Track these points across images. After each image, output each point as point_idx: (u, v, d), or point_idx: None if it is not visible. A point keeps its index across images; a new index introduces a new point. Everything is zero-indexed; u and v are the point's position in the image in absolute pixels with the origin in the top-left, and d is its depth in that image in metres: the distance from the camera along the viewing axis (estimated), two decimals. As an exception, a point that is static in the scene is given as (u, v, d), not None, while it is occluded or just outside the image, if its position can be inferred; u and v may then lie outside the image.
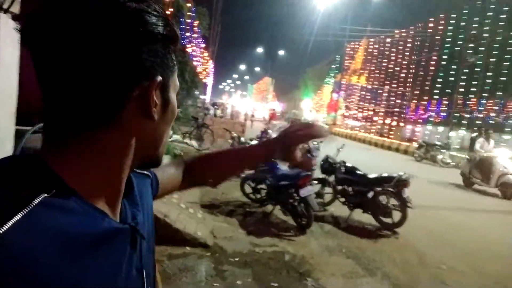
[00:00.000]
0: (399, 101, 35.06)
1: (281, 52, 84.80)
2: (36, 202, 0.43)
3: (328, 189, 6.46)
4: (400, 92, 35.53)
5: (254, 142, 8.14)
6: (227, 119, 17.35)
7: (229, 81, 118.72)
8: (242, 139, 8.01)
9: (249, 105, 49.65)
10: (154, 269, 0.66)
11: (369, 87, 39.42)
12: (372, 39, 39.85)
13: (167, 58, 0.54)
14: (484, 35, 23.78)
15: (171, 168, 0.93)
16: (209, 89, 31.54)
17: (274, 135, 7.10)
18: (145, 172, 0.75)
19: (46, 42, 0.46)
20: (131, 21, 0.47)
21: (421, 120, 30.82)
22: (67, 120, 0.49)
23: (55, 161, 0.49)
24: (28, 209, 0.42)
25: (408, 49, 33.56)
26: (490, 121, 24.45)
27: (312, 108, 56.78)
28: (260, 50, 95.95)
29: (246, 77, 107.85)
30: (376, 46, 39.40)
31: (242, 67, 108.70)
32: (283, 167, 6.00)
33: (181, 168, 0.95)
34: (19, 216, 0.41)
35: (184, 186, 0.95)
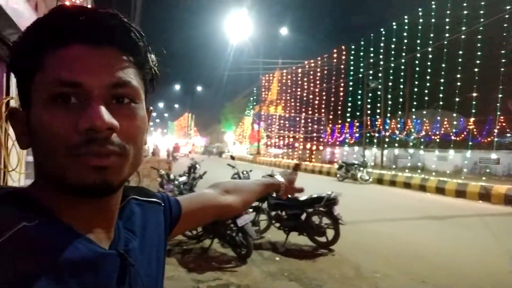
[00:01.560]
0: (316, 126, 37.30)
1: (199, 88, 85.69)
2: (14, 230, 0.44)
3: (262, 216, 6.56)
4: (316, 118, 37.86)
5: (184, 178, 8.00)
6: (151, 157, 16.81)
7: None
8: (171, 176, 7.83)
9: (171, 142, 48.90)
10: None
11: (287, 115, 41.39)
12: (284, 70, 42.30)
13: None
14: (380, 62, 26.74)
15: (205, 193, 0.95)
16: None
17: (199, 169, 6.98)
18: (156, 200, 0.74)
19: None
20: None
21: (338, 142, 33.05)
22: None
23: (40, 192, 0.51)
24: (5, 236, 0.43)
25: (318, 77, 36.20)
26: (396, 138, 27.11)
27: (235, 140, 57.62)
28: (177, 86, 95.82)
29: (166, 115, 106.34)
30: (289, 76, 41.86)
31: (160, 104, 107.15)
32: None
33: (219, 193, 0.96)
34: None
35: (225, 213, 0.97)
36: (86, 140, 0.47)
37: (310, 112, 38.49)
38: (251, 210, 6.46)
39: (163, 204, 0.75)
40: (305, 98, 38.48)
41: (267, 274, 4.69)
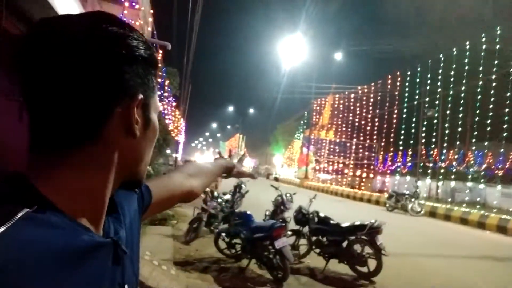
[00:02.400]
0: (367, 153, 36.28)
1: (251, 110, 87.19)
2: (18, 217, 0.44)
3: (303, 241, 6.44)
4: (367, 145, 36.87)
5: (228, 196, 8.12)
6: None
7: (201, 139, 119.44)
8: (215, 193, 7.98)
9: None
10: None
11: (338, 140, 40.74)
12: (337, 95, 41.94)
13: (148, 79, 0.58)
14: (438, 90, 25.62)
15: (171, 178, 1.00)
16: (180, 147, 31.55)
17: (244, 189, 7.08)
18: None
19: (35, 63, 0.50)
20: (113, 43, 0.52)
21: (390, 171, 31.79)
22: (51, 138, 0.51)
23: (39, 179, 0.50)
24: (10, 223, 0.44)
25: (371, 104, 35.41)
26: (453, 170, 25.54)
27: (283, 162, 57.51)
28: (230, 108, 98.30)
29: (218, 135, 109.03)
30: (341, 101, 41.39)
31: (214, 125, 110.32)
32: (257, 220, 5.98)
33: (184, 178, 1.02)
34: (1, 230, 0.42)
35: (183, 197, 1.02)
36: None
37: (361, 139, 37.60)
38: (290, 233, 6.39)
39: (137, 192, 0.78)
40: (357, 124, 37.72)
41: (302, 300, 4.57)
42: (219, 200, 7.74)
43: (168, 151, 22.66)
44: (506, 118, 20.38)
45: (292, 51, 35.11)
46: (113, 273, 0.56)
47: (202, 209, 7.58)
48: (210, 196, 7.74)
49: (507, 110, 20.30)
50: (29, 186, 0.49)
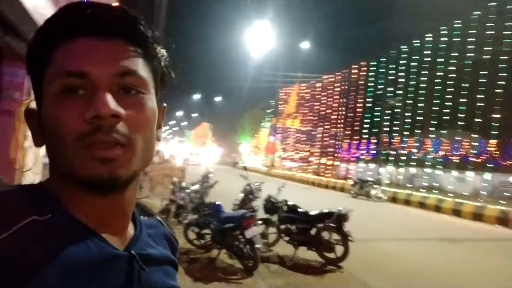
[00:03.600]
0: (333, 141, 37.06)
1: (218, 98, 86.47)
2: (23, 223, 0.45)
3: (272, 229, 6.52)
4: (332, 133, 37.65)
5: (196, 186, 8.04)
6: (165, 165, 16.98)
7: (165, 127, 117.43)
8: (184, 183, 7.89)
9: (188, 150, 49.37)
10: None
11: (304, 129, 41.30)
12: (303, 84, 42.36)
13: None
14: (400, 80, 26.52)
15: None
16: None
17: (212, 179, 7.01)
18: (176, 238, 0.71)
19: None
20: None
21: (354, 159, 32.70)
22: None
23: (55, 187, 0.52)
24: (14, 229, 0.44)
25: (336, 93, 36.07)
26: (413, 157, 26.66)
27: (250, 151, 57.72)
28: (197, 96, 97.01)
29: (184, 123, 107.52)
30: (308, 90, 41.86)
31: (179, 113, 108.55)
32: (226, 209, 5.99)
33: None
34: (5, 235, 0.44)
35: None
36: (93, 129, 0.48)
37: (327, 127, 38.32)
38: (260, 222, 6.45)
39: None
40: (322, 113, 38.36)
41: (273, 287, 4.65)
42: (187, 190, 7.65)
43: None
44: (462, 108, 21.45)
45: (259, 39, 34.99)
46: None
47: (170, 200, 7.48)
48: (178, 187, 7.65)
49: (463, 100, 21.35)
50: (46, 194, 0.51)
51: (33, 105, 0.55)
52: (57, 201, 0.51)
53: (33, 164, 3.31)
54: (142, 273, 0.54)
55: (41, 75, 0.51)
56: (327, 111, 37.44)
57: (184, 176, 12.46)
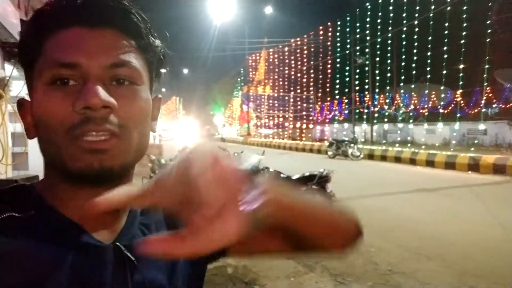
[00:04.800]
0: (305, 104, 37.29)
1: (186, 71, 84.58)
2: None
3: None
4: (304, 97, 37.81)
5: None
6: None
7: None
8: (162, 160, 7.77)
9: (160, 127, 48.51)
10: None
11: (275, 95, 41.25)
12: (271, 50, 41.88)
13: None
14: (367, 38, 26.61)
15: None
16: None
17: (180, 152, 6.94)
18: None
19: None
20: None
21: (328, 120, 33.15)
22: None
23: (45, 182, 0.53)
24: None
25: (305, 56, 35.94)
26: (385, 113, 27.27)
27: (225, 122, 57.44)
28: (163, 70, 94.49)
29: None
30: (276, 55, 41.48)
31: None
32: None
33: None
34: None
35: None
36: (83, 119, 0.46)
37: (298, 91, 38.40)
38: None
39: None
40: (293, 77, 38.31)
41: (263, 253, 4.73)
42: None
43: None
44: (428, 61, 21.84)
45: (222, 6, 33.95)
46: (113, 279, 0.50)
47: (150, 177, 7.37)
48: (157, 164, 7.53)
49: (429, 53, 21.71)
50: (30, 192, 0.52)
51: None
52: (41, 198, 0.51)
53: (3, 155, 3.13)
54: (132, 264, 0.52)
55: (32, 66, 0.50)
56: (298, 74, 37.40)
57: (161, 153, 12.30)
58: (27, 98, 0.53)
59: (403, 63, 25.17)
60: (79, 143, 0.47)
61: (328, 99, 33.03)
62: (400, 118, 26.70)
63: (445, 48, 20.42)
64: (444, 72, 20.53)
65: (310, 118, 36.32)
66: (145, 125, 0.53)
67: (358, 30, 27.89)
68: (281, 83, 41.48)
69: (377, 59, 26.81)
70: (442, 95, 23.46)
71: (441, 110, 22.21)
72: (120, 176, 0.51)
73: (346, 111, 30.62)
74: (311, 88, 36.40)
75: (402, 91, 27.57)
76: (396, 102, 27.74)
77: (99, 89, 0.47)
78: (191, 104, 75.31)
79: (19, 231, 0.46)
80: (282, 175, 6.34)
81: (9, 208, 0.48)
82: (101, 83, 0.48)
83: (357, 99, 28.19)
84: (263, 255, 0.71)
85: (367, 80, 27.41)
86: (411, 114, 26.36)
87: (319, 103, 35.25)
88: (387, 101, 28.09)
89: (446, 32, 20.33)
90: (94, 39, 0.49)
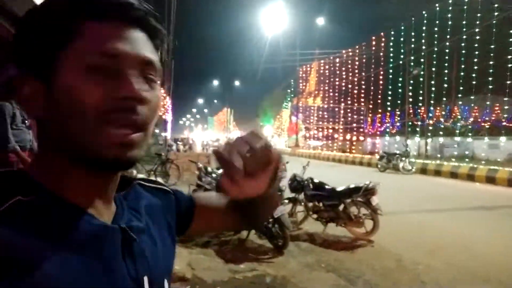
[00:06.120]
0: (356, 116, 36.47)
1: (237, 83, 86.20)
2: (8, 203, 0.46)
3: (299, 208, 6.51)
4: (355, 108, 37.00)
5: (221, 171, 8.08)
6: (191, 152, 17.21)
7: (189, 116, 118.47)
8: (209, 169, 7.94)
9: (210, 137, 49.79)
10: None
11: (326, 106, 40.77)
12: (322, 61, 41.60)
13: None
14: (423, 47, 25.52)
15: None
16: (169, 126, 31.32)
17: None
18: (164, 188, 0.76)
19: None
20: None
21: (379, 133, 32.09)
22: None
23: (38, 170, 0.53)
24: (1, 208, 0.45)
25: (357, 67, 35.24)
26: (441, 126, 25.86)
27: (273, 133, 57.62)
28: (216, 82, 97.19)
29: (205, 110, 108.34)
30: (327, 67, 41.10)
31: (200, 101, 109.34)
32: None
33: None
34: None
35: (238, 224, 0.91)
36: (119, 107, 0.49)
37: (349, 103, 37.67)
38: (286, 201, 6.44)
39: (172, 193, 0.76)
40: (344, 88, 37.67)
41: (304, 265, 4.65)
42: (214, 175, 7.70)
43: (156, 130, 22.47)
44: (490, 71, 20.48)
45: (273, 19, 34.38)
46: (119, 261, 0.54)
47: (197, 185, 7.56)
48: (204, 171, 7.71)
49: (491, 62, 20.36)
50: (27, 178, 0.51)
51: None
52: (40, 183, 0.51)
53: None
54: (134, 243, 0.57)
55: (60, 47, 0.49)
56: (349, 86, 36.71)
57: (210, 162, 12.60)
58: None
59: (462, 73, 23.81)
60: (109, 130, 0.49)
61: (380, 111, 32.01)
62: (458, 132, 25.15)
63: (509, 56, 19.06)
64: (508, 82, 19.14)
65: (361, 130, 35.39)
66: (155, 122, 0.56)
67: (412, 40, 26.89)
68: (331, 94, 40.94)
69: (434, 69, 25.58)
70: (506, 107, 21.82)
71: (504, 123, 20.65)
72: (135, 165, 0.55)
73: (399, 124, 29.46)
74: (363, 100, 35.52)
75: (460, 103, 26.03)
76: (454, 114, 26.24)
77: (140, 82, 0.51)
78: (241, 115, 76.45)
79: (29, 215, 0.47)
80: (326, 186, 6.24)
81: (14, 191, 0.47)
82: (136, 77, 0.51)
83: (411, 111, 27.04)
84: (217, 230, 0.94)
85: (421, 92, 26.23)
86: (470, 127, 24.76)
87: (371, 115, 34.25)
88: (444, 113, 26.64)
89: (510, 39, 19.00)
90: (132, 35, 0.52)
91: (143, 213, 0.64)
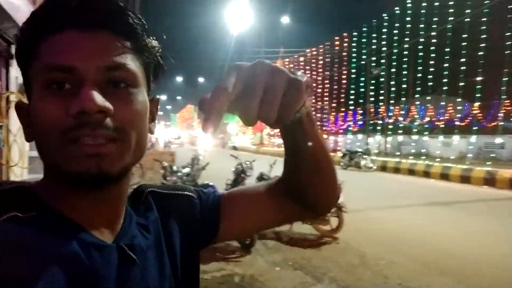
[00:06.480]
0: (319, 114, 37.14)
1: (201, 79, 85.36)
2: (2, 218, 0.46)
3: (266, 206, 6.55)
4: (319, 106, 37.69)
5: (187, 169, 7.98)
6: (154, 150, 16.87)
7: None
8: (174, 167, 7.82)
9: (172, 134, 49.01)
10: None
11: (290, 104, 41.15)
12: (286, 59, 42.01)
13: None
14: (383, 48, 26.45)
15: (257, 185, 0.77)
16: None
17: (202, 161, 6.95)
18: (187, 193, 0.70)
19: None
20: None
21: (342, 131, 32.93)
22: None
23: (42, 189, 0.53)
24: None
25: (320, 66, 35.96)
26: (400, 125, 26.94)
27: (238, 131, 57.58)
28: (180, 78, 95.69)
29: (168, 107, 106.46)
30: (291, 65, 41.56)
31: (163, 97, 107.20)
32: (219, 190, 5.97)
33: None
34: None
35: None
36: (78, 124, 0.46)
37: (313, 101, 38.30)
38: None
39: (196, 197, 0.70)
40: (307, 87, 38.22)
41: (271, 263, 4.70)
42: (179, 174, 7.59)
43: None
44: (445, 73, 21.57)
45: (239, 16, 34.29)
46: (113, 279, 0.51)
47: (162, 184, 7.42)
48: (169, 170, 7.58)
49: (446, 65, 21.46)
50: (30, 193, 0.51)
51: (12, 98, 0.56)
52: (41, 198, 0.51)
53: (19, 158, 3.22)
54: (133, 263, 0.54)
55: (29, 69, 0.50)
56: (312, 84, 37.26)
57: (174, 160, 12.39)
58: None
59: (419, 75, 24.95)
60: (75, 147, 0.46)
61: (343, 109, 32.87)
62: (415, 130, 26.31)
63: (462, 59, 20.15)
64: (461, 84, 20.24)
65: (324, 128, 36.15)
66: (142, 127, 0.52)
67: (374, 41, 27.81)
68: (295, 92, 41.42)
69: (393, 70, 26.61)
70: (459, 108, 23.09)
71: (457, 123, 21.84)
72: (119, 178, 0.51)
73: (361, 122, 30.37)
74: (326, 99, 36.29)
75: (417, 102, 27.24)
76: (411, 113, 27.42)
77: (94, 93, 0.46)
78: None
79: (24, 231, 0.46)
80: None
81: (13, 207, 0.47)
82: (97, 86, 0.47)
83: (372, 110, 27.95)
84: (252, 231, 0.85)
85: (382, 91, 27.18)
86: (426, 126, 25.97)
87: (333, 113, 35.07)
88: (402, 112, 27.78)
89: (463, 43, 20.09)
90: (89, 41, 0.48)
91: (152, 228, 0.61)
